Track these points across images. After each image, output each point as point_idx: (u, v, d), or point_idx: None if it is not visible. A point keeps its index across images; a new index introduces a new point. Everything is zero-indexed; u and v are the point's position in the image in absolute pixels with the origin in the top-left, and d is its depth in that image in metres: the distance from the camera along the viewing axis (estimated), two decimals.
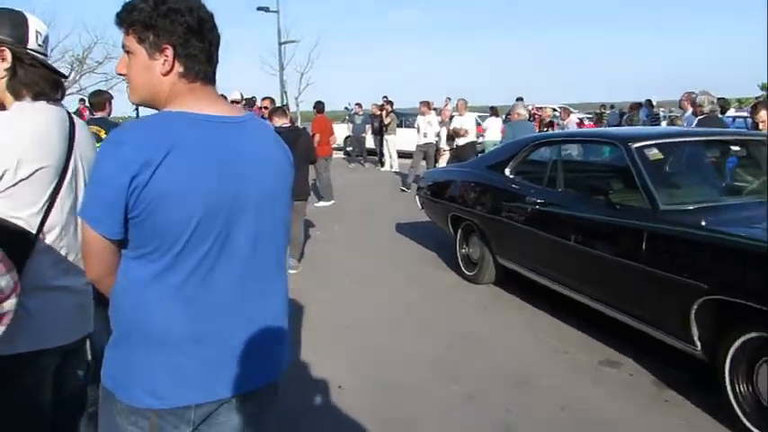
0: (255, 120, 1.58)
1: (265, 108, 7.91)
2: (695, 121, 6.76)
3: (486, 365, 3.95)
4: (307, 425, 3.24)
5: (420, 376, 3.78)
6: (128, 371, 1.41)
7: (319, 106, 11.07)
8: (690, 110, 7.91)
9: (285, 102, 28.48)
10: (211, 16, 1.46)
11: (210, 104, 1.45)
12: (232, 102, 7.57)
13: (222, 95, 7.67)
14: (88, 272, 1.46)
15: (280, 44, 28.49)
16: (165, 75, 1.41)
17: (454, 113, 12.08)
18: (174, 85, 1.42)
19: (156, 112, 1.47)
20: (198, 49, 1.42)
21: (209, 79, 1.47)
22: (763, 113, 6.12)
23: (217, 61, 1.49)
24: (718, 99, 7.24)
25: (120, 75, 1.48)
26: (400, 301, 5.25)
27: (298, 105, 31.37)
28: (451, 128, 11.66)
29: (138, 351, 1.40)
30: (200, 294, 1.39)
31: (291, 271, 6.08)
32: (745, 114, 23.09)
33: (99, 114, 5.17)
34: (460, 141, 11.32)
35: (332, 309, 5.06)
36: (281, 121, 6.11)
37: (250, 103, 8.50)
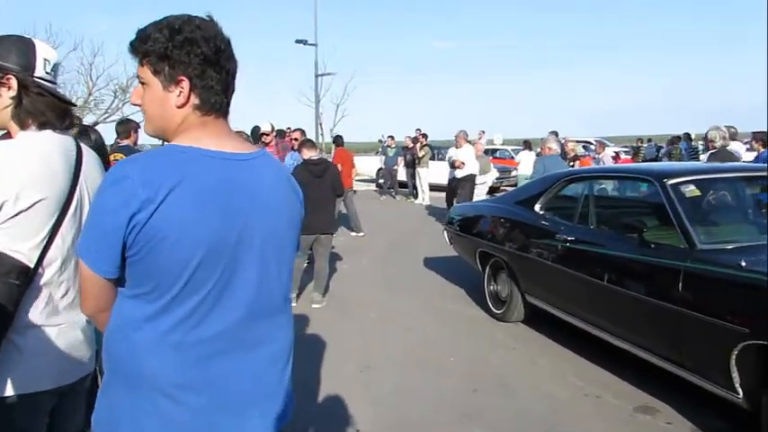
0: (266, 157, 1.51)
1: (295, 140, 7.94)
2: (707, 156, 6.64)
3: (513, 410, 3.77)
4: None
5: (443, 420, 3.63)
6: (116, 416, 1.34)
7: (338, 140, 11.77)
8: (729, 143, 7.72)
9: (321, 133, 28.85)
10: (228, 43, 1.40)
11: (221, 139, 1.39)
12: (262, 134, 7.63)
13: (256, 126, 7.70)
14: (83, 307, 1.41)
15: (316, 76, 28.92)
16: (179, 107, 1.36)
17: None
18: (187, 117, 1.37)
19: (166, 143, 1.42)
20: (215, 80, 1.36)
21: (223, 112, 1.42)
22: None
23: (233, 90, 1.44)
24: (759, 133, 7.03)
25: (135, 105, 1.44)
26: (426, 339, 5.11)
27: (332, 137, 31.72)
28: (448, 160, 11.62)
29: (126, 395, 1.33)
30: (193, 339, 1.32)
31: (316, 305, 6.03)
32: None
33: (124, 142, 5.25)
34: (458, 174, 11.16)
35: (355, 346, 4.95)
36: (309, 154, 6.11)
37: (281, 134, 8.56)
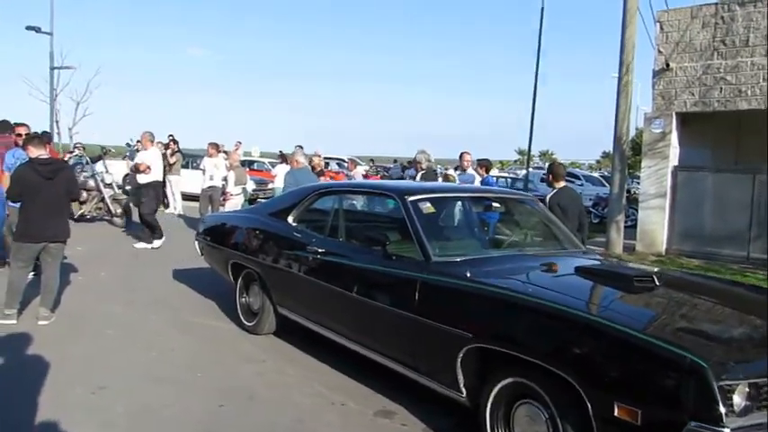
0: None
1: (19, 135, 6.93)
2: (418, 176, 7.84)
3: (259, 422, 3.72)
4: None
5: None
6: None
7: (45, 137, 10.22)
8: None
9: (58, 132, 25.87)
10: None
11: None
12: None
13: None
14: None
15: (51, 69, 25.85)
16: None
17: (139, 147, 10.82)
18: None
19: None
20: None
21: None
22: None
23: None
24: (483, 160, 8.07)
25: None
26: (171, 356, 4.81)
27: (71, 137, 28.53)
28: (132, 164, 10.79)
29: None
30: None
31: (42, 322, 5.34)
32: (506, 174, 26.18)
33: None
34: (142, 179, 9.93)
35: (88, 365, 4.46)
36: (37, 152, 5.39)
37: (3, 127, 7.39)
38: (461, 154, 8.62)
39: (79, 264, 7.76)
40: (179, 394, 4.07)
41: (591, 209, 18.76)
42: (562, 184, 6.29)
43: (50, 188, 5.32)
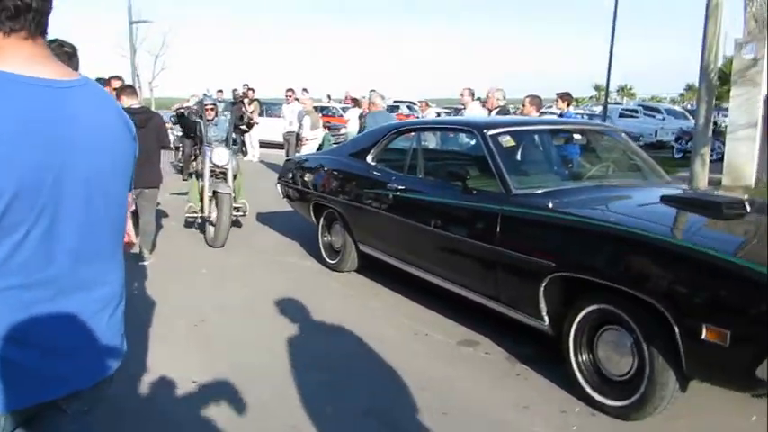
0: (91, 85, 1.36)
1: (115, 89, 7.30)
2: (493, 113, 7.79)
3: (347, 352, 3.92)
4: (156, 423, 3.02)
5: (279, 366, 3.67)
6: None
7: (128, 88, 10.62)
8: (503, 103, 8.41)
9: (139, 86, 26.86)
10: None
11: (36, 63, 1.23)
12: None
13: None
14: None
15: (130, 24, 26.70)
16: None
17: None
18: None
19: None
20: None
21: (37, 31, 1.24)
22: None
23: (50, 9, 1.26)
24: (563, 93, 7.83)
25: None
26: (260, 292, 5.08)
27: (152, 90, 29.61)
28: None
29: None
30: (13, 286, 1.20)
31: (144, 263, 5.72)
32: (582, 111, 25.24)
33: None
34: None
35: (187, 301, 4.80)
36: (130, 101, 5.68)
37: (102, 82, 7.82)
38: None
39: (170, 210, 8.20)
40: (270, 326, 4.33)
41: (673, 143, 17.97)
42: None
43: (143, 136, 5.60)
